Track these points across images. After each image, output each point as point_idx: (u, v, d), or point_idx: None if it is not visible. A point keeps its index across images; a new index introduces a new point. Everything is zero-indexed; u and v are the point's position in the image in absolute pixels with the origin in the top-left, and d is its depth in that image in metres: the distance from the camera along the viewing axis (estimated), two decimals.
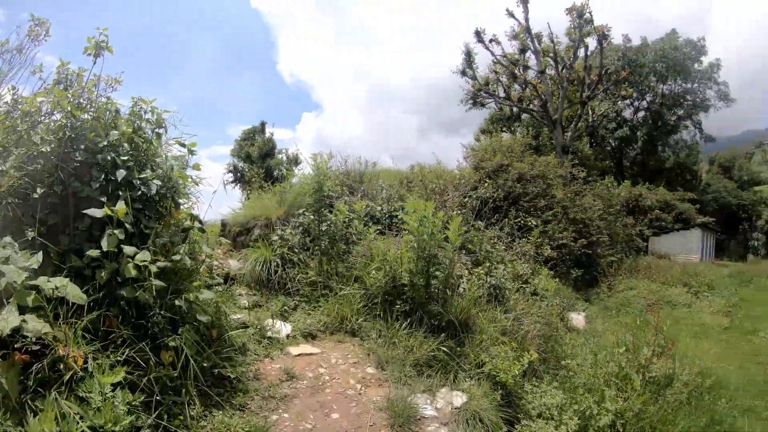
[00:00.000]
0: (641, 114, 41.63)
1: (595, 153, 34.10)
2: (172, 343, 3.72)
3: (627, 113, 40.96)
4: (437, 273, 6.16)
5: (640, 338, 6.87)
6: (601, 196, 17.92)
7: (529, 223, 12.61)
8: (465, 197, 10.92)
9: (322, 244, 7.00)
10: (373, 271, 6.36)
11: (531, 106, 20.71)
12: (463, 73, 21.97)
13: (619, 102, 34.10)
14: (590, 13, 19.34)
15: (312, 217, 7.20)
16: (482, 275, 7.42)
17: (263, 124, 25.46)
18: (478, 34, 21.12)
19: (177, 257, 3.93)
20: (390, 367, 5.21)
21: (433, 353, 5.46)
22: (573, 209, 14.21)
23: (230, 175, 27.13)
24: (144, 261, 3.64)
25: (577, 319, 10.52)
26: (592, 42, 19.81)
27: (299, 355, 5.33)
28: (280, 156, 24.24)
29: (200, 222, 4.60)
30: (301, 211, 7.54)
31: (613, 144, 41.57)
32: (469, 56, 21.53)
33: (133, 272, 3.61)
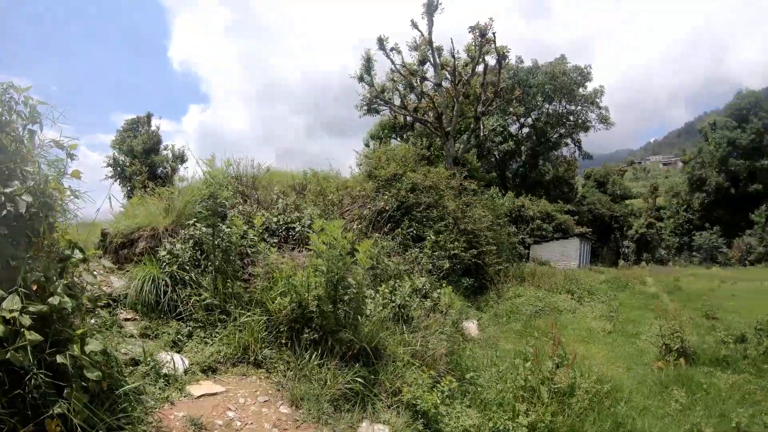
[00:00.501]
0: (526, 130, 44.73)
1: (482, 165, 35.71)
2: (58, 410, 2.98)
3: (513, 128, 43.82)
4: (346, 298, 5.75)
5: (541, 350, 7.27)
6: (489, 207, 18.58)
7: (423, 234, 12.71)
8: (362, 208, 10.66)
9: (216, 261, 6.21)
10: (278, 297, 5.76)
11: (426, 116, 21.08)
12: (361, 78, 21.86)
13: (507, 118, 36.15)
14: (494, 33, 20.10)
15: (204, 229, 6.33)
16: (387, 294, 7.21)
17: (149, 116, 23.22)
18: (381, 42, 21.15)
19: (55, 299, 3.11)
20: (305, 404, 4.78)
21: (348, 385, 5.11)
22: (464, 220, 14.50)
23: (109, 169, 24.51)
24: (13, 310, 2.83)
25: (471, 327, 10.68)
26: (490, 60, 20.59)
27: (202, 396, 4.63)
28: (165, 152, 22.30)
29: (81, 251, 3.65)
30: (192, 221, 6.67)
31: (497, 156, 44.07)
32: (368, 62, 21.48)
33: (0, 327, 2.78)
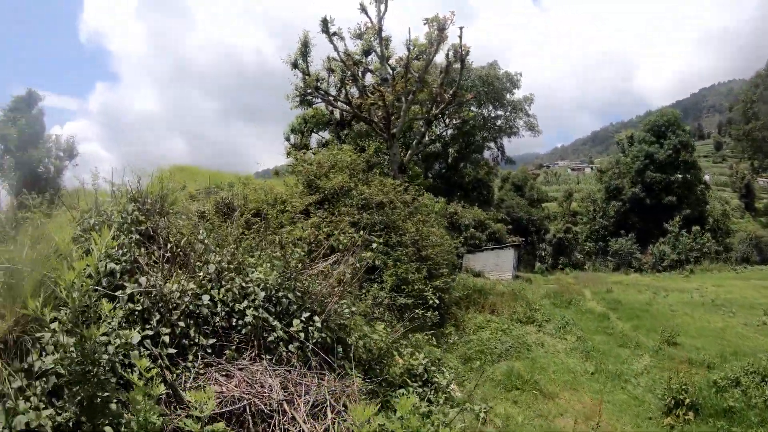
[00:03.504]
0: (450, 132, 43.78)
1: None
2: None
3: (437, 129, 42.71)
4: None
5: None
6: (438, 221, 16.40)
7: (378, 263, 10.10)
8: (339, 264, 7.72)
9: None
10: None
11: (370, 115, 18.40)
12: (295, 65, 18.72)
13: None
14: (460, 28, 17.87)
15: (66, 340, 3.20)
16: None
17: (30, 94, 17.41)
18: (325, 24, 18.10)
19: None
20: None
21: None
22: (423, 245, 12.12)
23: None
24: None
25: (452, 387, 8.57)
26: (440, 58, 18.45)
27: None
28: (49, 145, 16.79)
29: None
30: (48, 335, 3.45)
31: (420, 158, 42.91)
32: (305, 47, 18.40)
33: None
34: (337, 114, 23.51)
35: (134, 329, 3.96)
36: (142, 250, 5.23)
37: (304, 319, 5.02)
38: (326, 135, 25.80)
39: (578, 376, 12.36)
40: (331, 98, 19.34)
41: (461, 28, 18.32)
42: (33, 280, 4.10)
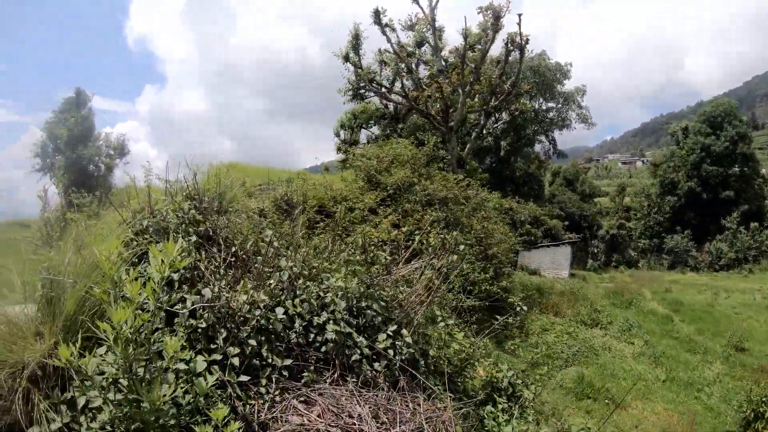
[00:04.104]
0: (501, 125, 42.68)
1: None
2: None
3: (489, 122, 41.69)
4: None
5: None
6: (499, 218, 15.66)
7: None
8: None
9: None
10: None
11: (427, 108, 17.77)
12: (347, 58, 18.27)
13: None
14: (519, 15, 17.10)
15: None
16: None
17: (79, 94, 17.72)
18: (377, 15, 17.50)
19: None
20: None
21: None
22: (488, 243, 11.48)
23: (38, 160, 19.20)
24: None
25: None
26: (496, 49, 17.72)
27: None
28: (99, 143, 16.68)
29: None
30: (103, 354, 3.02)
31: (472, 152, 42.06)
32: (356, 39, 17.91)
33: None
34: (391, 108, 22.94)
35: (197, 348, 3.44)
36: (202, 254, 4.68)
37: (391, 333, 4.51)
38: (376, 130, 25.38)
39: (649, 383, 11.97)
40: (386, 91, 18.83)
41: (520, 15, 17.49)
42: (76, 295, 3.59)
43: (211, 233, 5.33)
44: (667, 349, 14.86)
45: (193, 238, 4.87)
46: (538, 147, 45.38)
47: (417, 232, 6.34)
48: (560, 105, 42.54)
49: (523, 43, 17.74)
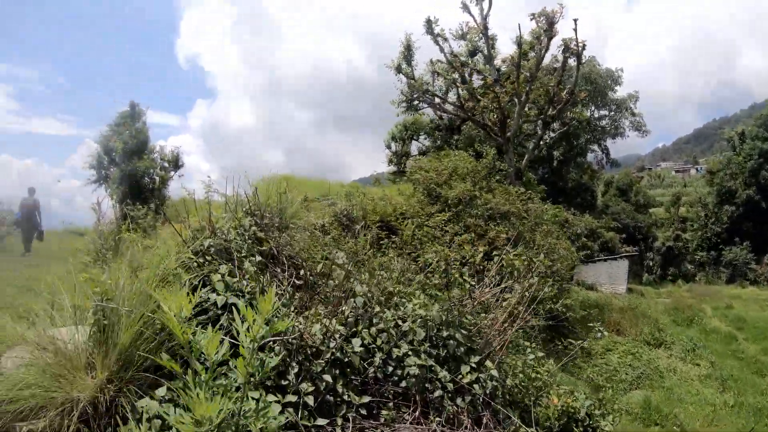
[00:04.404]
0: (552, 134, 41.71)
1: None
2: None
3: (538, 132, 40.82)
4: None
5: None
6: (556, 231, 15.12)
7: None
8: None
9: None
10: None
11: (483, 118, 17.41)
12: (399, 69, 18.15)
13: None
14: (575, 20, 16.61)
15: None
16: None
17: (134, 107, 17.85)
18: (429, 24, 17.32)
19: None
20: None
21: None
22: (552, 258, 11.03)
23: (93, 172, 19.74)
24: None
25: None
26: (559, 54, 17.23)
27: None
28: (154, 155, 16.95)
29: None
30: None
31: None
32: (408, 50, 17.79)
33: None
34: (445, 118, 22.63)
35: (267, 385, 3.22)
36: (266, 276, 4.46)
37: (474, 365, 4.18)
38: (426, 142, 25.14)
39: (718, 409, 11.35)
40: (440, 102, 18.58)
41: (576, 21, 16.90)
42: (131, 324, 3.29)
43: (275, 253, 5.10)
44: (734, 371, 14.15)
45: (257, 259, 4.66)
46: (590, 156, 44.09)
47: (495, 251, 6.06)
48: (613, 112, 41.23)
49: (580, 49, 17.19)
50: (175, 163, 16.62)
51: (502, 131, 16.25)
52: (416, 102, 19.47)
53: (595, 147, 43.94)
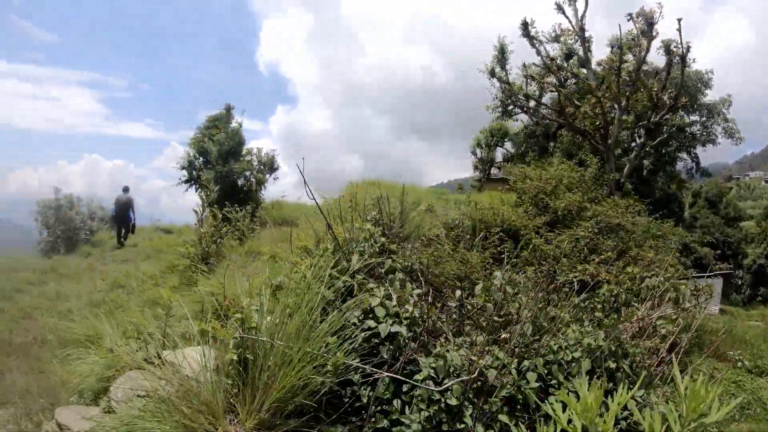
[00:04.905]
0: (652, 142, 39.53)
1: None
2: None
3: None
4: None
5: None
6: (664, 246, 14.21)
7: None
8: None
9: None
10: None
11: (583, 125, 16.70)
12: (492, 73, 17.76)
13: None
14: (679, 20, 15.58)
15: None
16: None
17: (229, 109, 17.78)
18: (525, 27, 16.75)
19: None
20: None
21: None
22: (668, 276, 10.34)
23: (184, 173, 20.11)
24: None
25: None
26: (658, 57, 16.32)
27: None
28: (249, 158, 17.01)
29: None
30: None
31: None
32: (502, 53, 17.37)
33: None
34: (541, 124, 21.88)
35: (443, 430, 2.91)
36: (427, 300, 4.04)
37: (640, 399, 3.85)
38: (511, 148, 24.52)
39: None
40: (536, 107, 18.00)
41: (680, 20, 15.66)
42: (280, 362, 2.77)
43: (414, 267, 4.84)
44: None
45: (399, 275, 4.41)
46: (679, 165, 41.47)
47: (647, 273, 5.65)
48: (704, 118, 38.55)
49: (684, 51, 16.11)
50: (270, 166, 16.70)
51: (604, 139, 15.47)
52: (511, 107, 18.97)
53: (684, 155, 41.35)
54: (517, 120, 22.72)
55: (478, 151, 25.80)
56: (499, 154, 25.84)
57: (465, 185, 26.30)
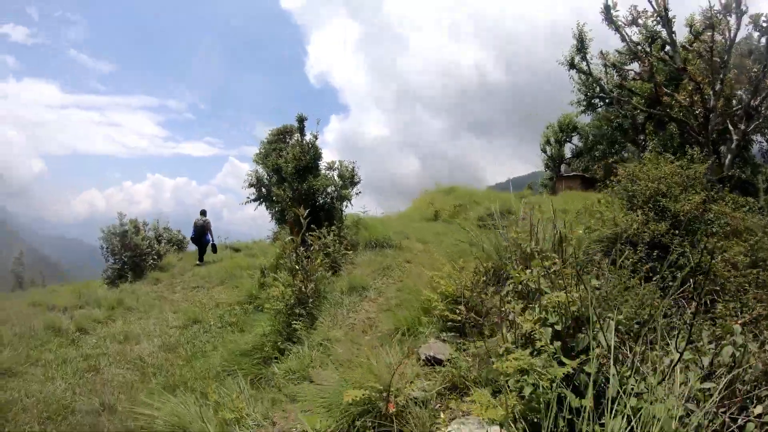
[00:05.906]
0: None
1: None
2: None
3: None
4: None
5: None
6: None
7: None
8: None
9: None
10: None
11: (681, 114, 15.40)
12: (572, 64, 16.67)
13: None
14: None
15: None
16: None
17: (302, 121, 14.73)
18: (608, 11, 15.48)
19: None
20: None
21: None
22: None
23: (252, 190, 19.25)
24: None
25: None
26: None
27: None
28: (329, 172, 14.52)
29: None
30: None
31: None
32: (581, 42, 16.23)
33: None
34: (629, 116, 20.50)
35: None
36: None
37: None
38: (578, 143, 23.24)
39: None
40: (629, 98, 16.70)
41: None
42: None
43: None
44: None
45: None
46: (754, 148, 38.70)
47: None
48: None
49: None
50: (351, 179, 14.57)
51: (705, 129, 14.20)
52: (595, 99, 17.80)
53: (759, 137, 38.55)
54: (598, 113, 21.26)
55: (548, 149, 24.60)
56: (568, 150, 24.61)
57: (532, 184, 25.18)
